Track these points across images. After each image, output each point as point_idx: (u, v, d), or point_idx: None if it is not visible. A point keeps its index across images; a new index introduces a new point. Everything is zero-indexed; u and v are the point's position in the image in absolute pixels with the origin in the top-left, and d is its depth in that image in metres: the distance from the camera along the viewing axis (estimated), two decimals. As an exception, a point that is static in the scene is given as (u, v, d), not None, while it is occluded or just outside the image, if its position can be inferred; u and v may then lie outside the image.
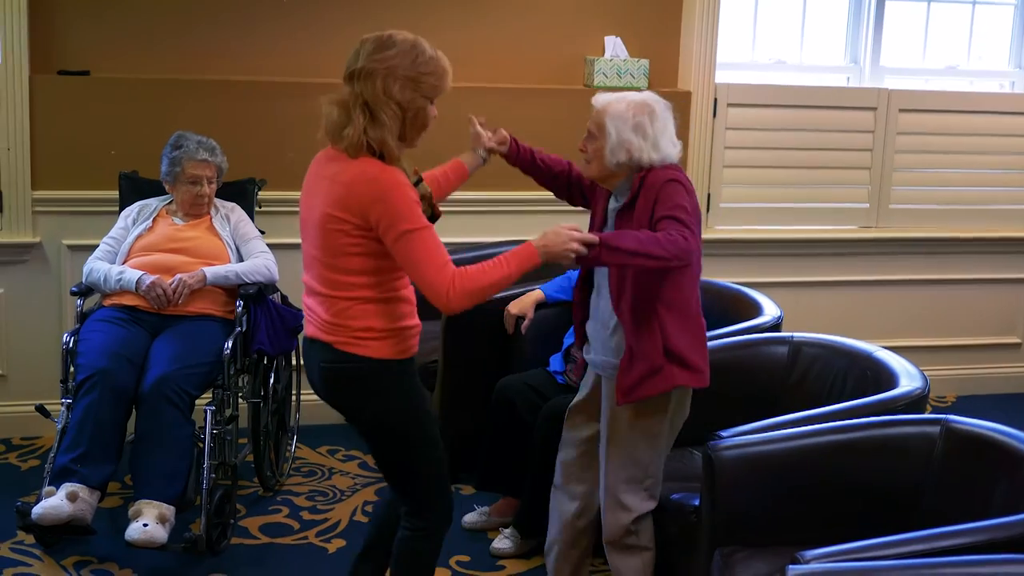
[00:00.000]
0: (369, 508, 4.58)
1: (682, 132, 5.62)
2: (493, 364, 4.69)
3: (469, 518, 4.56)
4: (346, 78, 3.15)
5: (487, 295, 3.12)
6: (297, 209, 3.28)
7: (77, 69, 5.09)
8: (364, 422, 3.31)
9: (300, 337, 3.83)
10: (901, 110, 6.03)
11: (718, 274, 5.26)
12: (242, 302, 4.45)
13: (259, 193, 4.95)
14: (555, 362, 4.54)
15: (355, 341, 3.19)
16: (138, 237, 4.56)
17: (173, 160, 4.58)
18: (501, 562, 4.29)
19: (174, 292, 4.36)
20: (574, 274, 4.69)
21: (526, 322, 4.59)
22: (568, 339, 4.53)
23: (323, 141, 3.21)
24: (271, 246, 4.71)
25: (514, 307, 4.61)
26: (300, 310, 4.67)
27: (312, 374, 3.33)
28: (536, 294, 4.67)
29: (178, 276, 4.39)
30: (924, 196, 6.24)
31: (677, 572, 3.65)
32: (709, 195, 5.83)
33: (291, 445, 5.07)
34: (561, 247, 3.15)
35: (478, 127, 3.74)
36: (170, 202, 4.67)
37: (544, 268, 4.86)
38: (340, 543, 4.37)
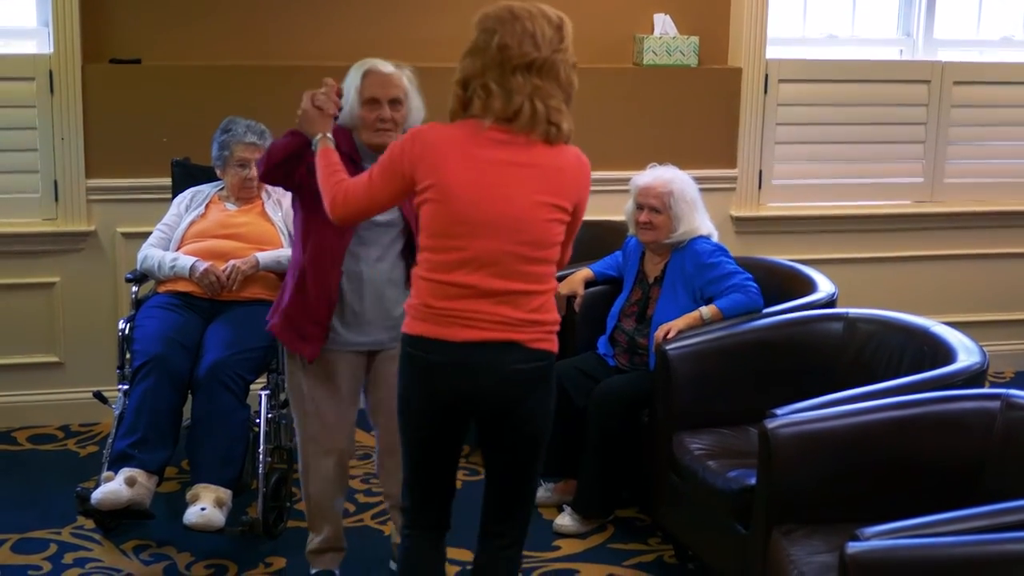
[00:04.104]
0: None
1: (733, 109, 5.67)
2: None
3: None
4: (524, 67, 2.94)
5: None
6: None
7: (129, 57, 5.11)
8: (536, 424, 3.05)
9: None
10: (955, 83, 5.95)
11: (771, 251, 5.22)
12: (295, 286, 4.45)
13: (310, 178, 4.95)
14: (602, 345, 4.52)
15: (547, 336, 3.02)
16: (191, 223, 4.59)
17: (222, 144, 4.60)
18: (557, 542, 4.29)
19: (227, 278, 4.38)
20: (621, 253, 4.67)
21: (578, 299, 4.57)
22: (611, 320, 4.50)
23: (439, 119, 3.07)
24: (322, 230, 4.70)
25: (564, 288, 4.57)
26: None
27: (490, 378, 2.97)
28: (584, 272, 4.64)
29: (231, 262, 4.41)
30: (980, 169, 6.16)
31: (734, 550, 3.63)
32: (761, 172, 5.78)
33: (345, 428, 5.07)
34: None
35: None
36: (222, 188, 4.69)
37: (593, 249, 4.83)
38: (396, 525, 4.38)
